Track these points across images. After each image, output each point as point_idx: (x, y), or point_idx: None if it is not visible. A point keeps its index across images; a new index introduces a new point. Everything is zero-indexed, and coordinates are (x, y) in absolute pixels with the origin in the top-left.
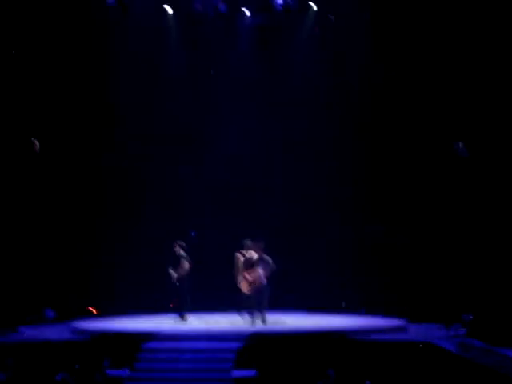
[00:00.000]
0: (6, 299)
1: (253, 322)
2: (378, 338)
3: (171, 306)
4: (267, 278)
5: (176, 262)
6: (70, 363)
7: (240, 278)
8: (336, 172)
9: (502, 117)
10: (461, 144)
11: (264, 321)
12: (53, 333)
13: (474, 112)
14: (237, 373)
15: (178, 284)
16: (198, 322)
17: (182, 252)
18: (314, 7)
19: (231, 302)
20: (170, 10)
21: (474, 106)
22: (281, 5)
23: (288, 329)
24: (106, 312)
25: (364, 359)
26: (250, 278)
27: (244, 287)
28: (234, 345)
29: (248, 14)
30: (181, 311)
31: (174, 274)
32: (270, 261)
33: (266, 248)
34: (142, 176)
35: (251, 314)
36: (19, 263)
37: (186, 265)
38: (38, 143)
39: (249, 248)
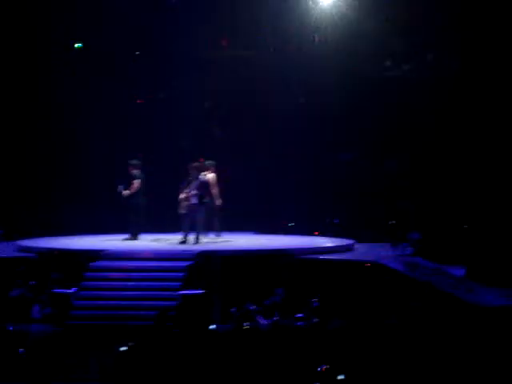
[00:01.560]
0: None
1: (187, 241)
2: (326, 257)
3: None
4: (203, 198)
5: (130, 182)
6: (20, 280)
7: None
8: None
9: None
10: None
11: (197, 240)
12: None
13: None
14: (185, 291)
15: (130, 203)
16: (148, 242)
17: (134, 171)
18: None
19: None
20: None
21: None
22: None
23: (237, 248)
24: (55, 232)
25: (312, 278)
26: (182, 196)
27: (180, 207)
28: (183, 264)
29: None
30: (133, 230)
31: (125, 192)
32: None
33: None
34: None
35: (185, 233)
36: None
37: (137, 184)
38: None
39: (207, 169)
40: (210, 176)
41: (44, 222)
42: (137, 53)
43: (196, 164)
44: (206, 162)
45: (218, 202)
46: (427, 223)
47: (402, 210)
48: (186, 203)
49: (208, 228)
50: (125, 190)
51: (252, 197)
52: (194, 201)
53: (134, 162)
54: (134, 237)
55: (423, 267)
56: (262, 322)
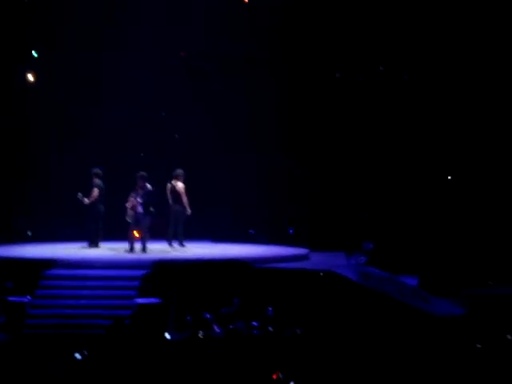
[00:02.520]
0: None
1: (133, 251)
2: (280, 266)
3: None
4: (149, 208)
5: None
6: None
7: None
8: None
9: None
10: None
11: (143, 249)
12: None
13: None
14: (141, 300)
15: (89, 211)
16: (105, 250)
17: (96, 180)
18: None
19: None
20: None
21: None
22: None
23: (193, 256)
24: (10, 239)
25: (267, 287)
26: (128, 205)
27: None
28: (139, 272)
29: None
30: (92, 238)
31: (85, 200)
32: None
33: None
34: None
35: (131, 242)
36: None
37: (96, 192)
38: None
39: (176, 178)
40: (179, 185)
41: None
42: None
43: (143, 173)
44: (177, 171)
45: (188, 211)
46: (381, 233)
47: (357, 219)
48: (131, 212)
49: (174, 235)
50: (84, 197)
51: (208, 204)
52: (139, 210)
53: (96, 170)
54: (95, 244)
55: (376, 276)
56: (218, 330)
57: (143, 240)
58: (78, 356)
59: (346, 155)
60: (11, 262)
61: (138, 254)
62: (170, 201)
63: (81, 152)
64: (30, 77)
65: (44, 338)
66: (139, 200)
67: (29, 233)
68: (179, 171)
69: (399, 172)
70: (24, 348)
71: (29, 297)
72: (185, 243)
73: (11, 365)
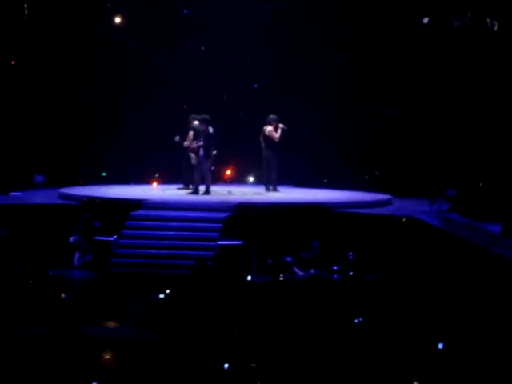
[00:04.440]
0: None
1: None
2: (362, 211)
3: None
4: (209, 150)
5: (198, 136)
6: (66, 226)
7: None
8: None
9: None
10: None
11: (207, 191)
12: (42, 198)
13: None
14: (223, 242)
15: (197, 156)
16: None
17: (195, 123)
18: None
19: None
20: None
21: None
22: None
23: (275, 201)
24: (99, 180)
25: (348, 232)
26: (190, 148)
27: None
28: (222, 215)
29: None
30: (189, 182)
31: (192, 145)
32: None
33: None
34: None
35: (195, 184)
36: (11, 129)
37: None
38: None
39: (270, 123)
40: (268, 128)
41: (89, 170)
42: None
43: (205, 116)
44: (269, 116)
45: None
46: (464, 179)
47: (440, 166)
48: (193, 155)
49: (268, 180)
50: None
51: (291, 150)
52: (200, 152)
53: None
54: (194, 188)
55: (459, 223)
56: (299, 273)
57: (206, 182)
58: (160, 295)
59: (429, 100)
60: (100, 203)
61: (221, 197)
62: (262, 145)
63: (163, 100)
64: (117, 19)
65: (128, 276)
66: (200, 143)
67: (103, 173)
68: (271, 117)
69: (484, 117)
70: (110, 285)
71: (115, 236)
72: (278, 188)
73: (98, 301)
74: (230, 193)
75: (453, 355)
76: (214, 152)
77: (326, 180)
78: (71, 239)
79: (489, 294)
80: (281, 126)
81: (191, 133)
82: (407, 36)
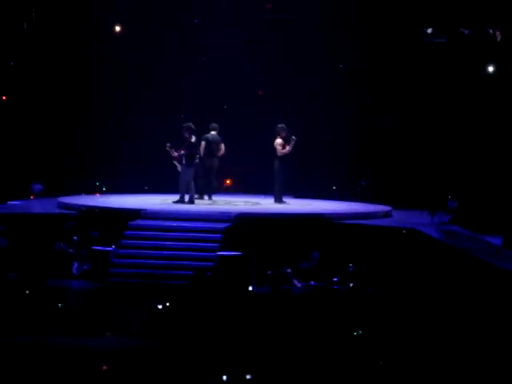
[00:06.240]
0: None
1: (182, 201)
2: (362, 222)
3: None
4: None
5: (181, 145)
6: (62, 236)
7: None
8: None
9: None
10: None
11: (190, 201)
12: (41, 207)
13: None
14: (223, 253)
15: (180, 165)
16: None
17: (187, 134)
18: None
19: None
20: None
21: None
22: None
23: (275, 211)
24: (96, 190)
25: (348, 243)
26: (174, 156)
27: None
28: (221, 225)
29: None
30: (184, 193)
31: (173, 153)
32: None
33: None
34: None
35: (181, 193)
36: (9, 139)
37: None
38: None
39: (278, 133)
40: (276, 141)
41: (87, 179)
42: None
43: (189, 124)
44: (277, 126)
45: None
46: (465, 191)
47: (441, 178)
48: (177, 163)
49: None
50: (171, 148)
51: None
52: (183, 161)
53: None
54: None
55: (460, 235)
56: (298, 285)
57: (190, 192)
58: (159, 306)
59: (430, 110)
60: (98, 212)
61: (220, 207)
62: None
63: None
64: (117, 28)
65: (127, 286)
66: (182, 152)
67: (104, 188)
68: (279, 126)
69: (486, 128)
70: (108, 296)
71: (113, 246)
72: (284, 199)
73: (96, 311)
74: (229, 203)
75: (452, 364)
76: (197, 161)
77: (334, 187)
78: (56, 247)
79: (490, 307)
80: (293, 137)
81: (203, 143)
82: (408, 46)
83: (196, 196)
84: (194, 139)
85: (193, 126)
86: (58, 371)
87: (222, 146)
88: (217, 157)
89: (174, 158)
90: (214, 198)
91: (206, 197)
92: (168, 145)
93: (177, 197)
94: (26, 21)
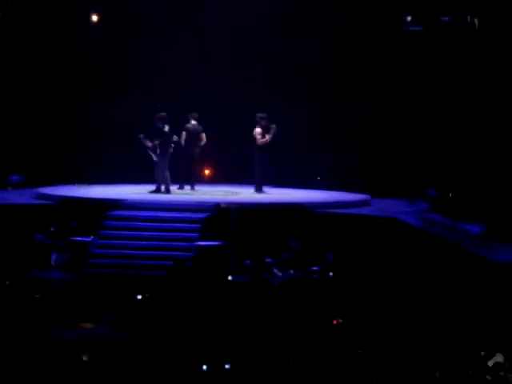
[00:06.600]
0: None
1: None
2: (341, 211)
3: None
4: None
5: (155, 135)
6: (41, 226)
7: None
8: None
9: None
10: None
11: (167, 190)
12: (19, 198)
13: None
14: (202, 242)
15: (155, 155)
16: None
17: (160, 124)
18: None
19: None
20: None
21: None
22: None
23: (254, 200)
24: (76, 180)
25: (327, 232)
26: (149, 145)
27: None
28: (200, 215)
29: None
30: (160, 183)
31: (148, 144)
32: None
33: None
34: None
35: (158, 183)
36: None
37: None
38: None
39: (257, 122)
40: (256, 130)
41: (66, 170)
42: None
43: (161, 114)
44: (256, 115)
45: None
46: (444, 179)
47: (420, 166)
48: (152, 154)
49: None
50: (145, 139)
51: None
52: (157, 151)
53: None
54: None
55: (440, 223)
56: (278, 274)
57: (166, 182)
58: (138, 296)
59: (407, 98)
60: (76, 203)
61: (200, 197)
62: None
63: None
64: (94, 17)
65: (106, 277)
66: (156, 141)
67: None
68: (259, 115)
69: (463, 115)
70: (87, 287)
71: (92, 237)
72: (264, 189)
73: (75, 302)
74: (209, 193)
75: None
76: (171, 150)
77: (319, 178)
78: (36, 239)
79: (469, 294)
80: (273, 126)
81: (184, 133)
82: (387, 35)
83: (177, 186)
84: (167, 128)
85: (164, 115)
86: (36, 363)
87: (203, 136)
88: (198, 147)
89: (149, 149)
90: (195, 188)
91: (186, 187)
92: (141, 135)
93: (153, 187)
94: (2, 10)
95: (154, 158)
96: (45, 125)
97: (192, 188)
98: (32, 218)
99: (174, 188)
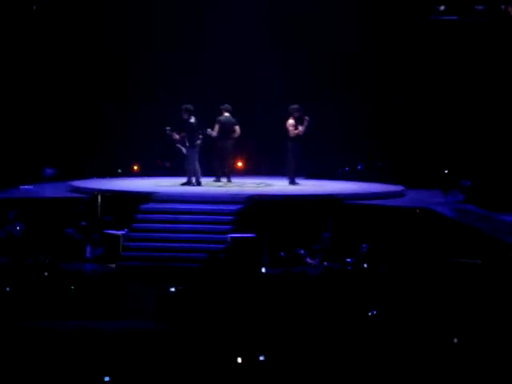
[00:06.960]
0: (7, 158)
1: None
2: (376, 202)
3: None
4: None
5: (181, 127)
6: (73, 220)
7: None
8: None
9: None
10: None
11: (198, 183)
12: (53, 191)
13: None
14: (235, 235)
15: (184, 147)
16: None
17: (186, 116)
18: None
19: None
20: None
21: None
22: None
23: (288, 192)
24: (109, 173)
25: (361, 223)
26: (176, 139)
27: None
28: (233, 207)
29: None
30: (191, 175)
31: (175, 136)
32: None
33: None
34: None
35: (189, 176)
36: (22, 122)
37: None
38: None
39: (290, 114)
40: (288, 122)
41: (99, 163)
42: None
43: (187, 106)
44: (289, 107)
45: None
46: (479, 170)
47: (455, 157)
48: (180, 146)
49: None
50: (172, 131)
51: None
52: (186, 143)
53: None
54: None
55: (475, 214)
56: (311, 263)
57: (196, 174)
58: (172, 289)
59: (442, 89)
60: (110, 196)
61: (232, 189)
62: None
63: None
64: None
65: (139, 270)
66: (183, 134)
67: (119, 170)
68: (292, 107)
69: (497, 105)
70: (121, 279)
71: (125, 230)
72: (297, 181)
73: (109, 295)
74: (242, 184)
75: (465, 350)
76: (199, 142)
77: (347, 168)
78: (67, 232)
79: (505, 287)
80: (306, 117)
81: (217, 125)
82: (420, 25)
83: (214, 179)
84: (193, 120)
85: (190, 107)
86: (71, 354)
87: (237, 128)
88: (231, 139)
89: (177, 141)
90: (231, 180)
91: (223, 179)
92: (167, 128)
93: (180, 180)
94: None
95: (184, 150)
96: (77, 119)
97: (228, 180)
98: (66, 211)
99: (208, 180)
